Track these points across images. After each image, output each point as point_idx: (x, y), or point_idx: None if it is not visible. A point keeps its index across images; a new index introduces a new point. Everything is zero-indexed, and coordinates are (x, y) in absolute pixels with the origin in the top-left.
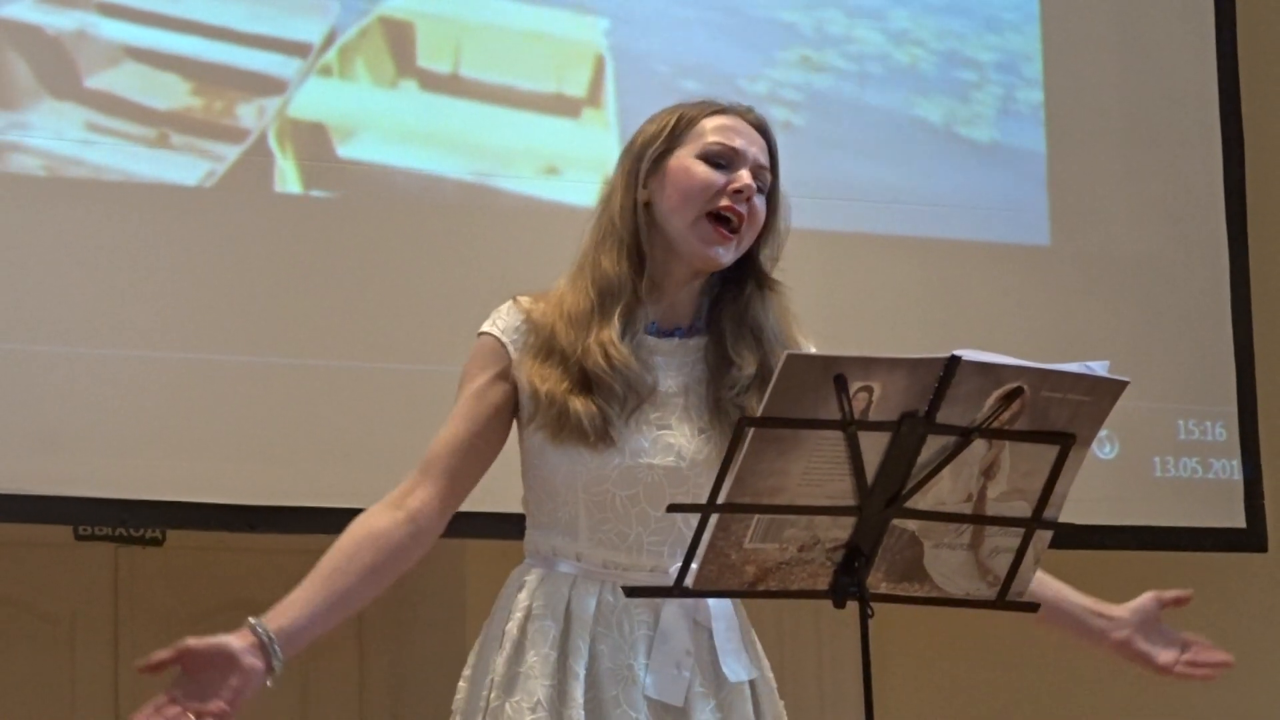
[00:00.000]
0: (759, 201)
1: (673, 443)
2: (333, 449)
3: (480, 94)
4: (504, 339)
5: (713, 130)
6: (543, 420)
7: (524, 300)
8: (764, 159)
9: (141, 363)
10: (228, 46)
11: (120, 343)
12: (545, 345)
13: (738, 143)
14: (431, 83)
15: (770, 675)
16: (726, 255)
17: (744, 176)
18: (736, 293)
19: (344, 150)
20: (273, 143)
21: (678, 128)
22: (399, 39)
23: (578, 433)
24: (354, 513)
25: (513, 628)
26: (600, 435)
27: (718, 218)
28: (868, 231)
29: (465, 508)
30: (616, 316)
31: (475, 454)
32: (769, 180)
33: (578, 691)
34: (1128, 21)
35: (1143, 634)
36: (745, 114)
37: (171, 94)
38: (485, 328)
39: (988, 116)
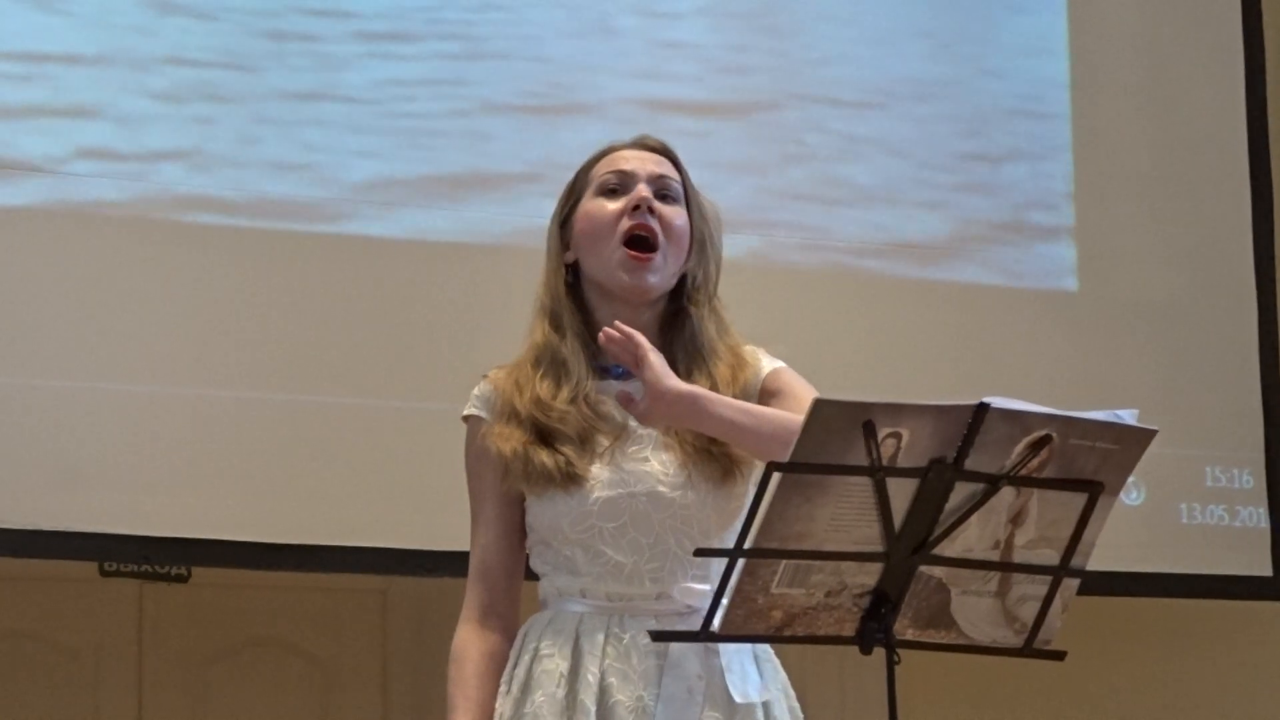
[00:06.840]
0: (671, 211)
1: (651, 470)
2: (358, 487)
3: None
4: (484, 415)
5: (602, 168)
6: (516, 476)
7: (493, 373)
8: (662, 169)
9: (166, 399)
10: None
11: (145, 378)
12: (507, 410)
13: (625, 166)
14: None
15: (791, 697)
16: (651, 277)
17: (639, 190)
18: (683, 318)
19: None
20: None
21: (575, 185)
22: None
23: (546, 479)
24: (379, 552)
25: (520, 671)
26: (567, 477)
27: (631, 243)
28: (898, 276)
29: None
30: (543, 376)
31: (518, 545)
32: (677, 188)
33: None
34: (1156, 67)
35: None
36: (636, 143)
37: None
38: (466, 410)
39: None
